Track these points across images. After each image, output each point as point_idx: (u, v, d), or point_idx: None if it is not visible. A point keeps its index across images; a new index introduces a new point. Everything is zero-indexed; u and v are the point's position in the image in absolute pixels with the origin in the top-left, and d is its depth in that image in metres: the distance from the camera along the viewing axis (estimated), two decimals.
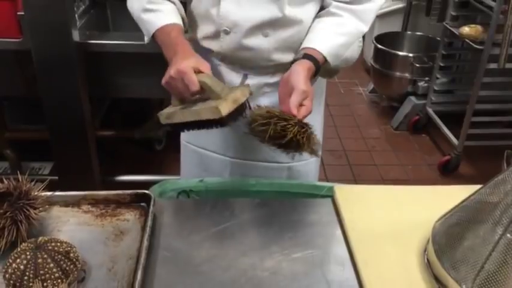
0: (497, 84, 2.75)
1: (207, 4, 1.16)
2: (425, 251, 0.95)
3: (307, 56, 1.11)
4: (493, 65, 2.59)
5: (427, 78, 3.20)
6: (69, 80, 2.03)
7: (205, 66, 1.05)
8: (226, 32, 1.16)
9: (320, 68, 1.13)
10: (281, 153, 1.04)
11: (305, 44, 1.15)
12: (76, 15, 2.04)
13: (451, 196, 0.95)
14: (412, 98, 3.28)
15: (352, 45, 1.21)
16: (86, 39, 2.00)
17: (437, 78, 3.12)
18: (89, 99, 2.18)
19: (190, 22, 1.25)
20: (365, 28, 1.19)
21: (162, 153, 2.88)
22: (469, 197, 0.90)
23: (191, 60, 1.04)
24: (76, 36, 1.97)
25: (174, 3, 1.20)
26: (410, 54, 3.25)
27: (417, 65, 3.19)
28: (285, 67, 1.20)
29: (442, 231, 0.92)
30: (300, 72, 1.07)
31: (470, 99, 2.73)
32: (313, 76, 1.13)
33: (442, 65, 3.05)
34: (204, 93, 1.04)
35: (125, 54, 2.02)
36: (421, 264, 0.94)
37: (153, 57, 2.03)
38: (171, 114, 1.06)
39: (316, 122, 1.36)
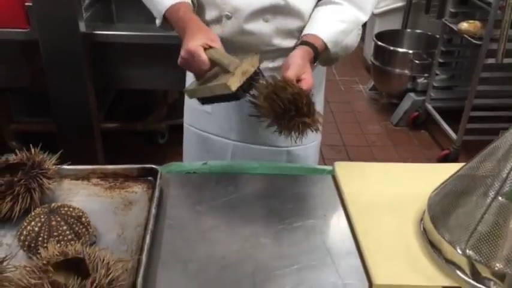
0: (495, 79, 2.79)
1: None
2: (421, 220, 0.99)
3: (306, 43, 1.14)
4: (491, 60, 2.63)
5: (426, 75, 3.25)
6: (75, 71, 2.08)
7: (215, 41, 1.07)
8: (228, 17, 1.19)
9: (319, 54, 1.16)
10: (280, 134, 1.05)
11: (305, 31, 1.18)
12: (82, 8, 2.08)
13: (448, 172, 0.98)
14: (412, 94, 3.32)
15: (351, 32, 1.24)
16: (91, 30, 2.04)
17: (437, 74, 3.17)
18: (94, 92, 2.23)
19: (197, 7, 1.29)
20: (364, 17, 1.22)
21: (165, 147, 2.92)
22: (463, 166, 0.94)
23: (199, 38, 1.06)
24: (82, 27, 2.01)
25: None
26: (410, 51, 3.30)
27: (417, 62, 3.24)
28: (285, 52, 1.23)
29: (437, 199, 0.96)
30: (296, 53, 1.11)
31: (468, 94, 2.78)
32: (313, 62, 1.17)
33: (441, 61, 3.10)
34: (218, 69, 1.06)
35: (129, 45, 2.07)
36: (417, 233, 0.97)
37: (157, 49, 2.10)
38: (193, 91, 1.10)
39: (317, 106, 1.41)
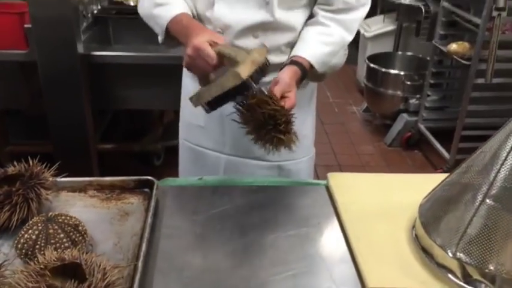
0: (485, 99, 2.84)
1: (202, 7, 1.24)
2: (413, 227, 1.01)
3: (294, 62, 1.19)
4: (480, 80, 2.69)
5: (418, 96, 3.31)
6: (73, 91, 2.11)
7: (219, 38, 1.10)
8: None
9: (306, 73, 1.21)
10: (255, 143, 1.08)
11: (294, 52, 1.23)
12: (80, 30, 2.13)
13: (438, 182, 1.00)
14: (404, 115, 3.37)
15: (337, 53, 1.29)
16: (89, 51, 2.08)
17: (428, 95, 3.23)
18: (91, 112, 2.26)
19: None
20: (350, 37, 1.28)
21: (161, 168, 2.93)
22: (452, 173, 0.97)
23: (205, 35, 1.09)
24: (80, 48, 2.06)
25: None
26: (402, 73, 3.37)
27: (408, 83, 3.30)
28: (275, 67, 1.27)
29: (428, 206, 0.98)
30: (285, 71, 1.16)
31: (460, 114, 2.83)
32: (300, 81, 1.21)
33: (432, 82, 3.16)
34: (225, 65, 1.07)
35: (126, 65, 2.11)
36: (409, 239, 0.99)
37: (153, 69, 2.14)
38: (199, 95, 1.08)
39: (307, 121, 1.44)
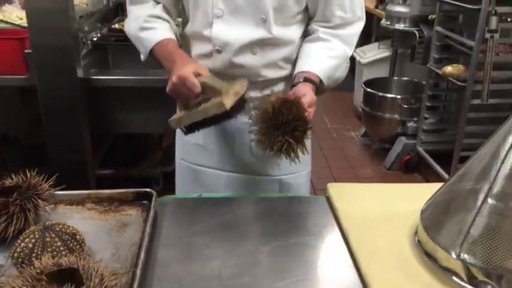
0: (482, 119, 2.86)
1: (200, 26, 1.26)
2: (415, 233, 1.00)
3: (307, 80, 1.20)
4: (476, 101, 2.71)
5: (415, 119, 3.32)
6: (72, 115, 2.11)
7: (203, 70, 1.14)
8: (218, 51, 1.25)
9: (318, 89, 1.22)
10: (257, 143, 1.06)
11: (302, 68, 1.24)
12: (80, 56, 2.16)
13: (435, 190, 1.00)
14: (403, 138, 3.38)
15: (341, 66, 1.32)
16: (88, 75, 2.10)
17: (426, 118, 3.25)
18: (91, 137, 2.26)
19: (184, 43, 1.35)
20: (350, 51, 1.30)
21: (159, 194, 2.90)
22: (451, 177, 0.96)
23: (190, 66, 1.14)
24: (80, 73, 2.07)
25: (168, 22, 1.30)
26: (398, 96, 3.39)
27: (405, 106, 3.32)
28: (272, 82, 1.30)
29: (429, 210, 0.97)
30: (308, 88, 1.17)
31: (457, 135, 2.83)
32: None
33: (428, 105, 3.19)
34: (206, 94, 1.11)
35: (125, 89, 2.12)
36: (412, 245, 0.98)
37: (152, 92, 2.15)
38: (180, 119, 1.14)
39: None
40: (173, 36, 1.27)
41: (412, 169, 3.36)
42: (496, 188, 0.84)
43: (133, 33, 1.30)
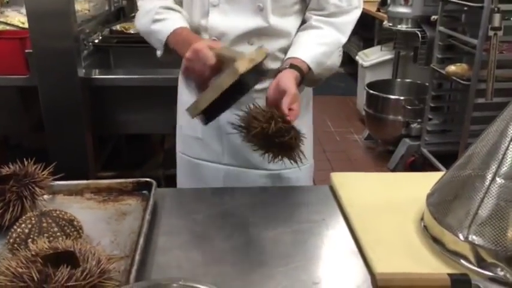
0: (487, 118, 2.82)
1: (197, 16, 1.25)
2: (421, 219, 0.97)
3: (292, 66, 1.17)
4: (481, 100, 2.69)
5: (419, 120, 3.30)
6: (73, 115, 2.10)
7: (218, 44, 1.10)
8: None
9: (304, 76, 1.19)
10: (261, 155, 1.04)
11: (289, 55, 1.22)
12: (81, 57, 2.15)
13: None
14: (407, 139, 3.35)
15: (332, 54, 1.28)
16: (89, 75, 2.10)
17: (430, 119, 3.22)
18: (92, 139, 2.24)
19: None
20: (344, 39, 1.28)
21: None
22: (457, 161, 0.94)
23: (204, 40, 1.11)
24: (81, 72, 2.07)
25: (179, 12, 1.27)
26: (402, 97, 3.37)
27: (409, 108, 3.30)
28: (271, 74, 1.27)
29: (435, 195, 0.95)
30: (289, 78, 1.13)
31: (462, 134, 2.81)
32: (299, 85, 1.19)
33: (432, 105, 3.16)
34: (223, 68, 1.04)
35: (126, 88, 2.11)
36: (418, 230, 0.95)
37: (153, 91, 2.14)
38: (196, 104, 1.03)
39: (305, 128, 1.42)
40: (187, 25, 1.23)
41: (416, 170, 3.31)
42: (505, 167, 0.81)
43: (145, 29, 1.27)
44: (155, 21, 1.24)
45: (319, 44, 1.23)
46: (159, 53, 1.27)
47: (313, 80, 1.30)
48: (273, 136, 0.97)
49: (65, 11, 1.98)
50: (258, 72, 1.03)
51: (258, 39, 1.23)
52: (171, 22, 1.23)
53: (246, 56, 1.01)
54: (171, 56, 1.25)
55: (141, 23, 1.29)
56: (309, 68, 1.20)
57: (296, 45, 1.24)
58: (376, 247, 0.90)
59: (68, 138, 2.16)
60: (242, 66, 0.97)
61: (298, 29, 1.28)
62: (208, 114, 1.04)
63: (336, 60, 1.33)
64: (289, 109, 1.05)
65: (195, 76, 1.10)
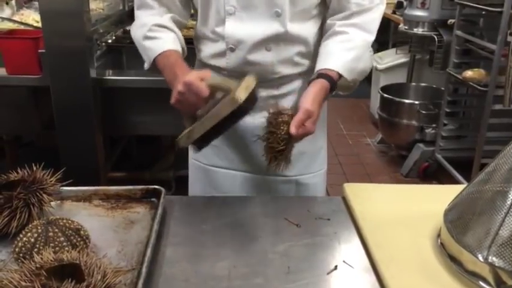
0: (504, 125, 2.78)
1: (212, 25, 1.22)
2: (438, 235, 0.94)
3: (321, 75, 1.15)
4: (498, 106, 2.64)
5: (434, 125, 3.25)
6: (85, 116, 2.09)
7: (207, 74, 1.07)
8: (232, 50, 1.21)
9: (335, 84, 1.17)
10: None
11: (319, 66, 1.19)
12: (94, 58, 2.14)
13: (459, 191, 0.94)
14: (421, 145, 3.30)
15: (363, 56, 1.25)
16: (102, 75, 2.09)
17: (445, 124, 3.16)
18: (103, 139, 2.23)
19: (197, 43, 1.31)
20: (371, 38, 1.24)
21: None
22: (476, 177, 0.90)
23: (193, 73, 1.07)
24: (93, 73, 2.06)
25: (174, 32, 1.25)
26: (416, 102, 3.32)
27: (423, 112, 3.25)
28: (289, 79, 1.25)
29: (454, 211, 0.91)
30: (309, 93, 1.11)
31: (478, 141, 2.75)
32: (330, 92, 1.17)
33: (448, 110, 3.11)
34: (214, 98, 1.05)
35: (138, 89, 2.10)
36: (434, 247, 0.92)
37: (165, 93, 2.13)
38: (189, 133, 1.03)
39: (321, 132, 1.39)
40: (177, 48, 1.22)
41: (430, 176, 3.27)
42: None
43: (137, 41, 1.26)
44: (147, 38, 1.22)
45: (347, 49, 1.20)
46: (146, 65, 1.26)
47: (348, 86, 1.27)
48: (269, 142, 1.04)
49: (78, 11, 1.98)
50: (252, 99, 1.03)
51: (275, 45, 1.20)
52: (162, 42, 1.21)
53: (242, 84, 1.02)
54: (158, 70, 1.23)
55: (135, 33, 1.27)
56: (340, 76, 1.17)
57: (324, 55, 1.21)
58: (390, 264, 0.87)
59: (79, 138, 2.15)
60: (242, 95, 0.98)
61: (323, 38, 1.25)
62: (201, 142, 1.05)
63: (367, 62, 1.30)
64: (303, 125, 1.05)
65: (186, 108, 1.07)
